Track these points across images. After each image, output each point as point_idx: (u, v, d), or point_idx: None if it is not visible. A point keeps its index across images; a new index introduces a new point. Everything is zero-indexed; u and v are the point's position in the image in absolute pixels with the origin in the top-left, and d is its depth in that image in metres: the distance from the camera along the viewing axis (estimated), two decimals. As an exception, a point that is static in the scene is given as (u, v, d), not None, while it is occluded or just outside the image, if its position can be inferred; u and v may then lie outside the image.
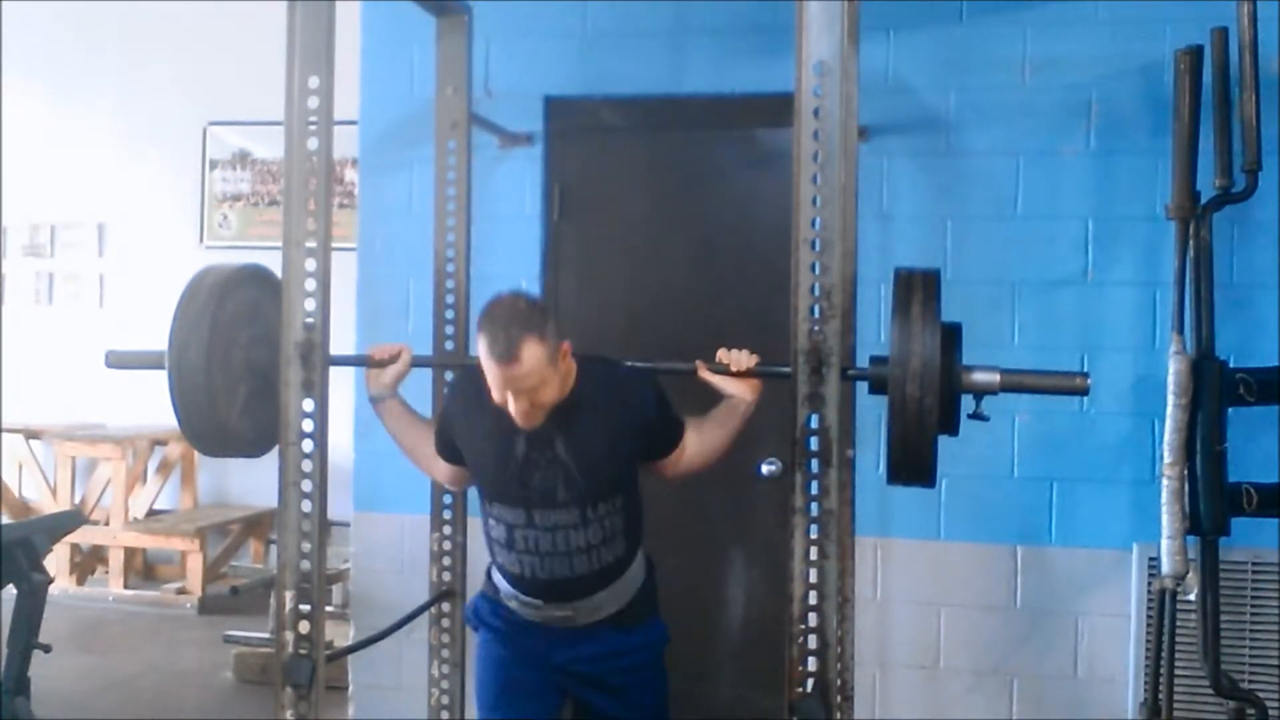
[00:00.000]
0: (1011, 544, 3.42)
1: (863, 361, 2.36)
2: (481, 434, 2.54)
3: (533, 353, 2.29)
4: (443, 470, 2.72)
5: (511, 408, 2.36)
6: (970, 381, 2.15)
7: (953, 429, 2.17)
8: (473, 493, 3.17)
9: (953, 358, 2.12)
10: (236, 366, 2.62)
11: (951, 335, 2.12)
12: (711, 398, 2.54)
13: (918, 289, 2.11)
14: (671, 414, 2.54)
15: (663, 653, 2.68)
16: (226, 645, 4.95)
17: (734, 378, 2.42)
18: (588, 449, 2.46)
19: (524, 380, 2.31)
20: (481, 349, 2.33)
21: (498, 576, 2.64)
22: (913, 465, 2.13)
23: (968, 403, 2.16)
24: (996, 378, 2.13)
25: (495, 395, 2.37)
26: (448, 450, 2.65)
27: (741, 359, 2.41)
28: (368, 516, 3.81)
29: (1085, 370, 3.30)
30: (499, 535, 2.55)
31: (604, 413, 2.47)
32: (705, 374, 2.44)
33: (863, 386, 2.32)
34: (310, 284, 2.46)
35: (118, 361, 2.74)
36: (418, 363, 2.73)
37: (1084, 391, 2.20)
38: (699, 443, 2.55)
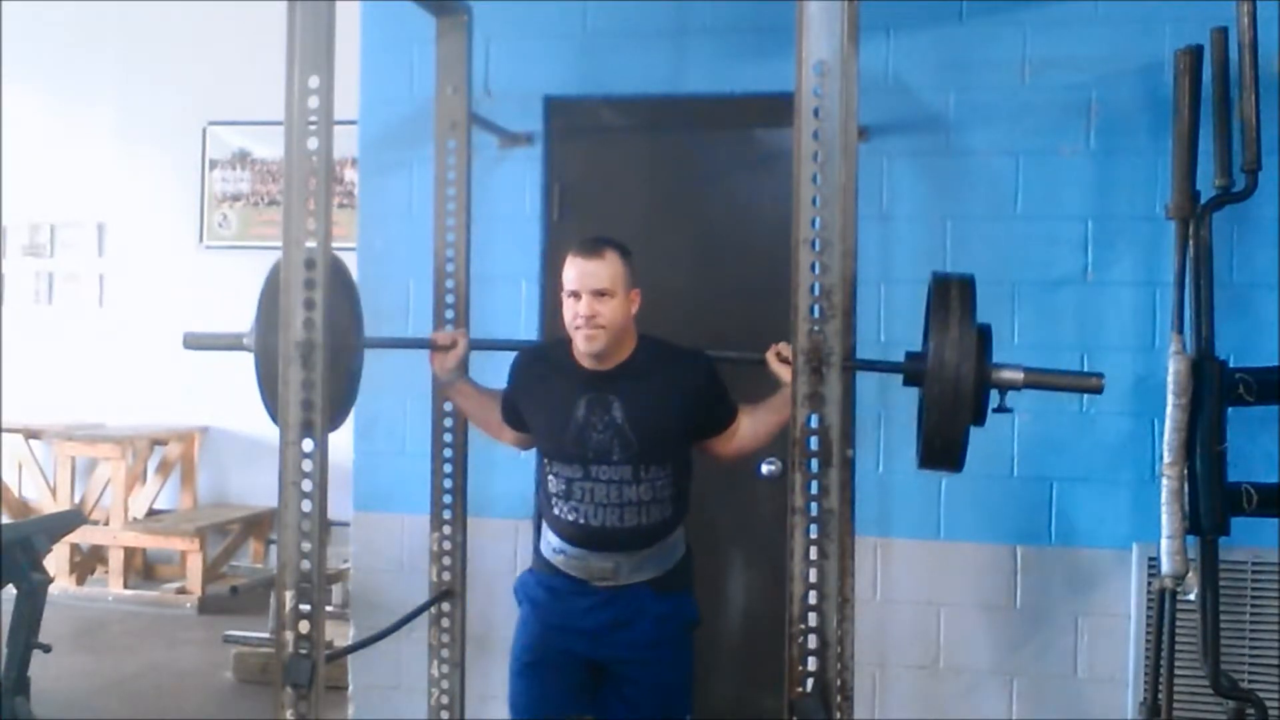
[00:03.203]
0: (1011, 544, 3.42)
1: (864, 362, 2.44)
2: (545, 401, 2.74)
3: (613, 260, 2.61)
4: (510, 436, 2.91)
5: (580, 320, 2.58)
6: (998, 378, 2.29)
7: (981, 420, 2.30)
8: (472, 493, 3.22)
9: (984, 356, 2.27)
10: None
11: (983, 335, 2.28)
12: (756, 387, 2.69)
13: (955, 291, 2.26)
14: (725, 394, 2.73)
15: (690, 631, 2.78)
16: (226, 645, 4.95)
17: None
18: (643, 413, 2.64)
19: (597, 278, 2.58)
20: (569, 258, 2.63)
21: (548, 535, 2.77)
22: (946, 452, 2.28)
23: (994, 398, 2.32)
24: (1021, 375, 2.29)
25: (567, 312, 2.62)
26: (514, 419, 2.84)
27: None
28: (368, 516, 3.81)
29: (1084, 370, 3.34)
30: (558, 489, 2.70)
31: (660, 382, 2.67)
32: (772, 363, 2.59)
33: (863, 387, 2.37)
34: (310, 284, 2.46)
35: (195, 343, 2.81)
36: (476, 345, 2.94)
37: (1099, 390, 2.37)
38: (752, 426, 2.73)
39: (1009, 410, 2.29)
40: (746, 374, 2.70)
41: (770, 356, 2.59)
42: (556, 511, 2.71)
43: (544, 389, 2.75)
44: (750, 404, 2.74)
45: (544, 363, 2.78)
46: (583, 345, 2.63)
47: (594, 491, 2.65)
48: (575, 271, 2.61)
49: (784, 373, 2.55)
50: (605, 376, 2.66)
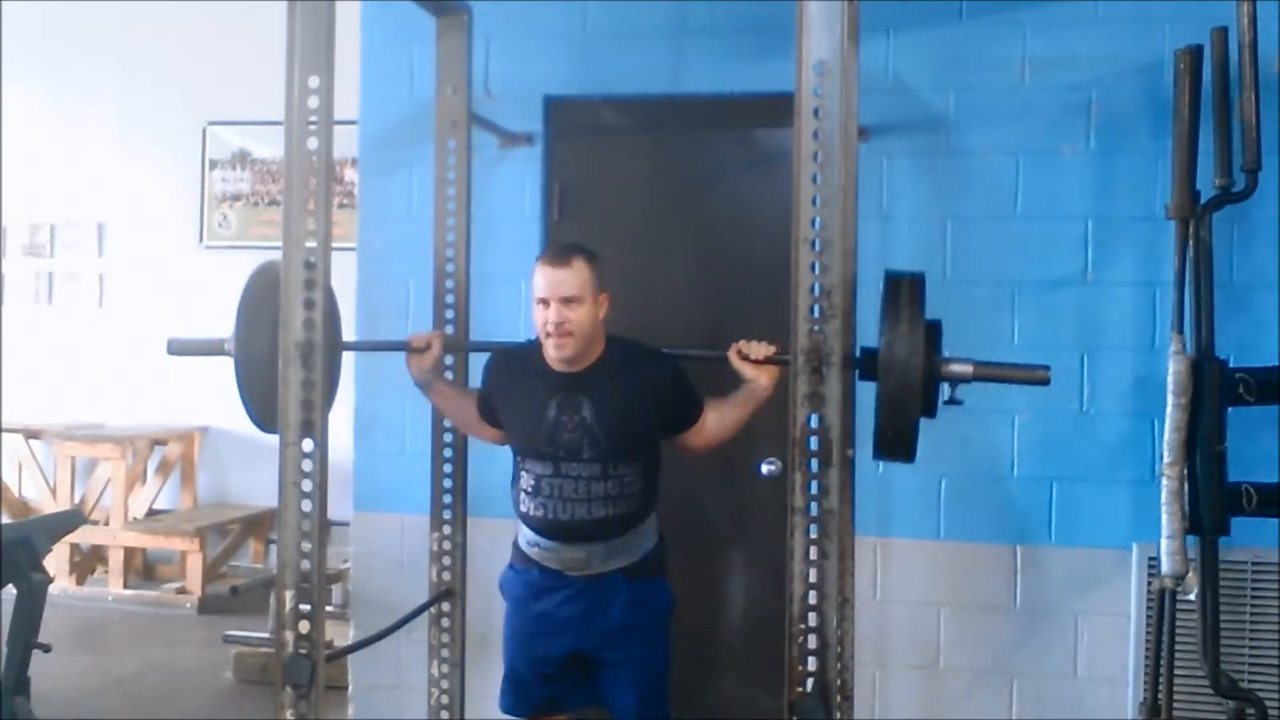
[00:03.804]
0: (1011, 544, 3.42)
1: (862, 360, 2.51)
2: (517, 401, 2.81)
3: (580, 267, 2.66)
4: (490, 434, 2.96)
5: (550, 327, 2.65)
6: (948, 371, 2.36)
7: (931, 412, 2.38)
8: (472, 493, 3.23)
9: (933, 350, 2.35)
10: None
11: (933, 330, 2.36)
12: (729, 384, 2.74)
13: (905, 289, 2.34)
14: (691, 391, 2.80)
15: (667, 618, 2.86)
16: (226, 645, 4.95)
17: (754, 364, 2.66)
18: (612, 414, 2.71)
19: (566, 286, 2.64)
20: (538, 266, 2.70)
21: (522, 530, 2.83)
22: (898, 443, 2.37)
23: (946, 392, 2.40)
24: (970, 368, 2.37)
25: (537, 319, 2.68)
26: (490, 417, 2.91)
27: (760, 349, 2.65)
28: (368, 516, 3.81)
29: (1084, 369, 3.35)
30: (528, 485, 2.77)
31: (628, 383, 2.74)
32: (734, 360, 2.66)
33: (863, 387, 2.46)
34: (310, 284, 2.46)
35: (179, 349, 2.84)
36: (453, 348, 2.98)
37: (1045, 382, 2.42)
38: (718, 420, 2.79)
39: (960, 403, 2.37)
40: (719, 371, 2.72)
41: (732, 354, 2.67)
42: (525, 508, 2.79)
43: (516, 390, 2.81)
44: (716, 398, 2.79)
45: (516, 364, 2.85)
46: (553, 351, 2.70)
47: (562, 488, 2.72)
48: (544, 280, 2.68)
49: (745, 369, 2.66)
50: (575, 378, 2.73)
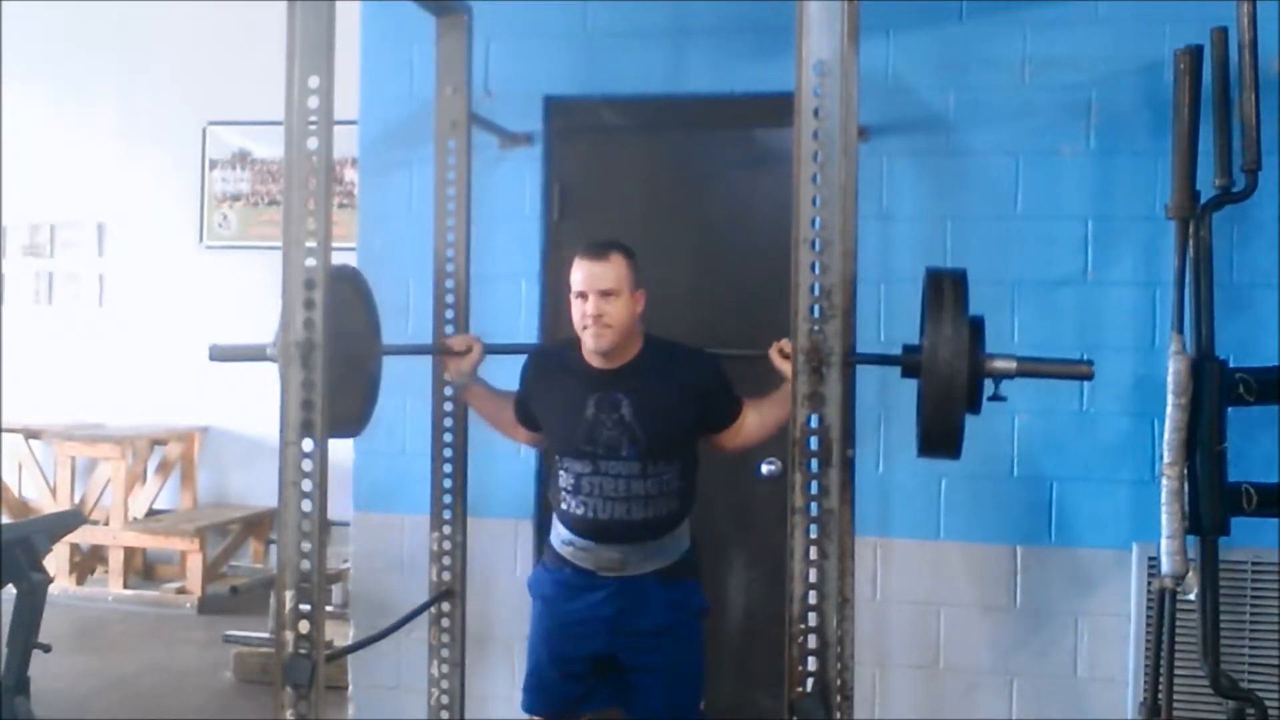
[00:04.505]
0: (1011, 544, 3.42)
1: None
2: (556, 400, 2.84)
3: (618, 262, 2.71)
4: (524, 435, 3.03)
5: (588, 319, 2.68)
6: (992, 367, 2.35)
7: (976, 408, 2.36)
8: (472, 493, 3.23)
9: (977, 346, 2.34)
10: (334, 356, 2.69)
11: (976, 327, 2.35)
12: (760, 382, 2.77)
13: (948, 286, 2.33)
14: (730, 390, 2.83)
15: (699, 619, 2.87)
16: (226, 645, 4.95)
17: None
18: (651, 411, 2.73)
19: (604, 279, 2.68)
20: (576, 261, 2.73)
21: (558, 527, 2.85)
22: (944, 440, 2.36)
23: (988, 387, 2.39)
24: (1014, 364, 2.36)
25: (575, 313, 2.71)
26: (527, 418, 2.95)
27: None
28: (368, 516, 3.81)
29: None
30: (567, 483, 2.79)
31: (667, 381, 2.76)
32: (775, 358, 2.68)
33: (863, 387, 2.39)
34: (310, 284, 2.46)
35: (221, 355, 2.82)
36: (491, 350, 2.99)
37: (1089, 376, 2.43)
38: (758, 419, 2.83)
39: (1003, 399, 2.37)
40: (751, 370, 2.73)
41: (773, 353, 2.68)
42: (565, 506, 2.81)
43: (555, 388, 2.84)
44: (754, 398, 2.81)
45: (554, 363, 2.88)
46: (591, 344, 2.72)
47: (602, 486, 2.74)
48: (582, 273, 2.71)
49: (786, 368, 2.62)
50: (613, 375, 2.76)
